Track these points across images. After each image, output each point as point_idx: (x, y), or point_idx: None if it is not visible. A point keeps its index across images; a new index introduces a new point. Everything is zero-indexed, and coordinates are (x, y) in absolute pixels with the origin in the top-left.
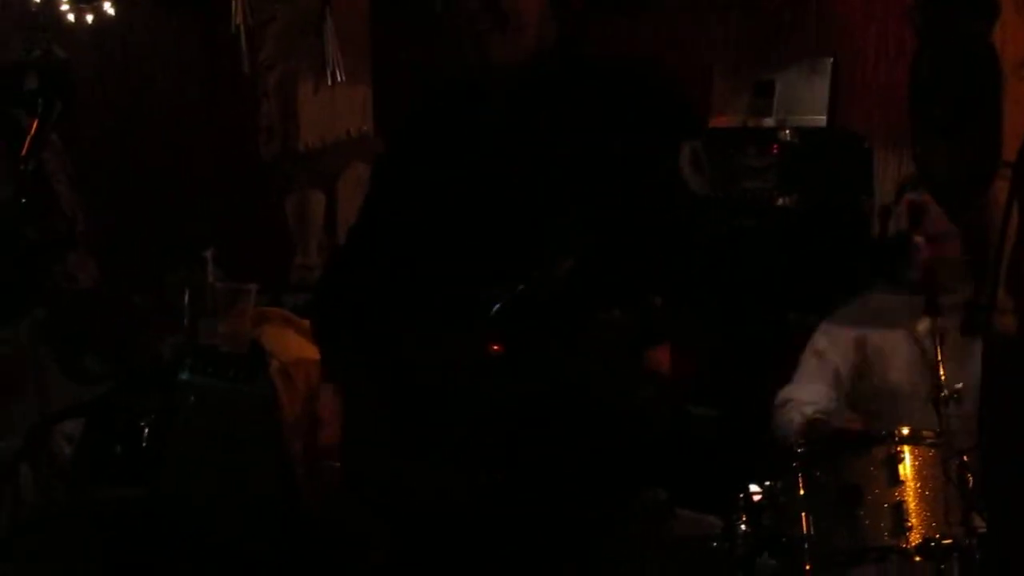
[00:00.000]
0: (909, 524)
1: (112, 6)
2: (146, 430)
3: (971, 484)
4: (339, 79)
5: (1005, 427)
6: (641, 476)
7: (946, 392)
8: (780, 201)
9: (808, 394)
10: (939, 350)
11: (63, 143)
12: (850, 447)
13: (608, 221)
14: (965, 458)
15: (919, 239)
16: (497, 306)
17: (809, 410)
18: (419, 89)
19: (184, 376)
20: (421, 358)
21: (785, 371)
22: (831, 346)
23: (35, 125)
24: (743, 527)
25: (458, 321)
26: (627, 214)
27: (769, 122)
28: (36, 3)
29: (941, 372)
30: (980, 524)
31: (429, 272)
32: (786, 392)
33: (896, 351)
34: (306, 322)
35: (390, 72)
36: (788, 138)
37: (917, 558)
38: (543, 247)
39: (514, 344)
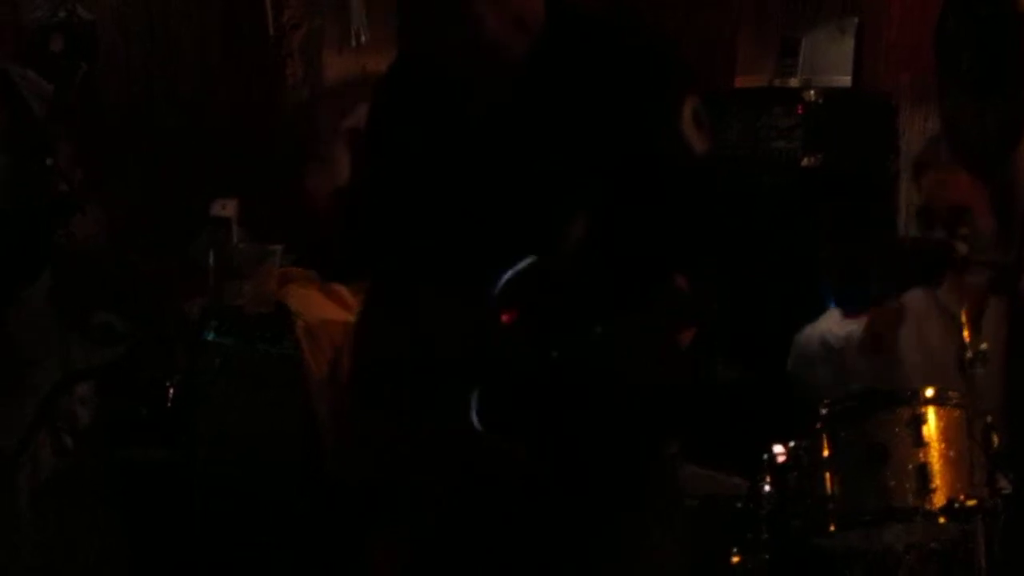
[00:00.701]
0: (934, 485)
1: None
2: (171, 391)
3: (996, 445)
4: (363, 40)
5: None
6: (661, 437)
7: (970, 353)
8: (805, 161)
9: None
10: (964, 311)
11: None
12: (875, 407)
13: (614, 188)
14: (989, 419)
15: (961, 247)
16: (508, 275)
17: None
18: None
19: (210, 337)
20: (434, 325)
21: None
22: None
23: (57, 87)
24: (768, 487)
25: (470, 290)
26: (632, 179)
27: (795, 82)
28: None
29: (965, 333)
30: (1005, 485)
31: (436, 247)
32: None
33: (928, 314)
34: (331, 283)
35: (415, 35)
36: (813, 98)
37: (942, 519)
38: (552, 218)
39: (528, 314)
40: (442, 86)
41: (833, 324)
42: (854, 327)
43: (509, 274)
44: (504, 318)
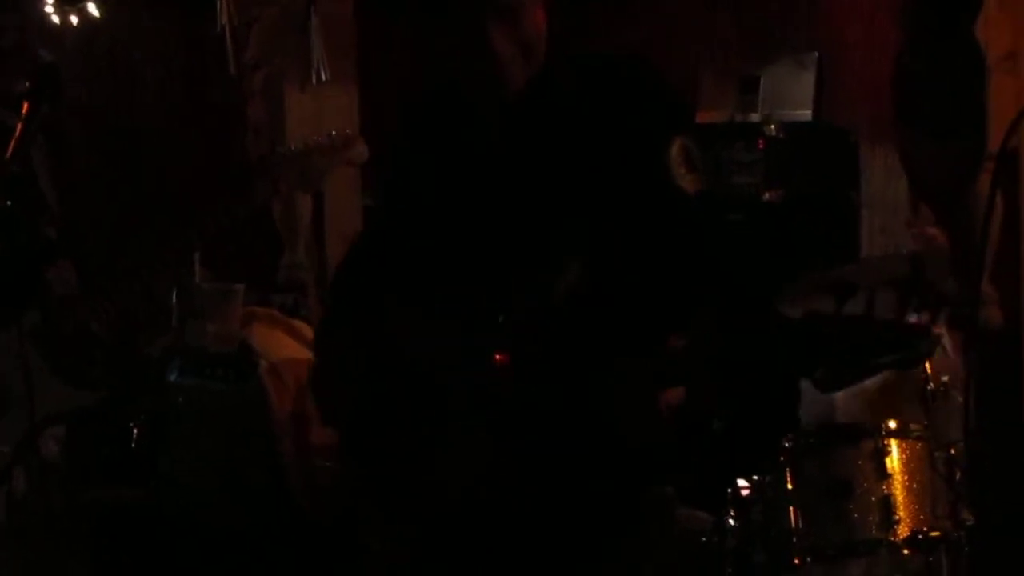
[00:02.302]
0: (897, 517)
1: (97, 7)
2: (135, 431)
3: (958, 477)
4: (324, 78)
5: (992, 419)
6: (645, 476)
7: (932, 385)
8: (767, 196)
9: None
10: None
11: (48, 145)
12: (838, 440)
13: (608, 227)
14: (952, 451)
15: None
16: (504, 317)
17: None
18: (412, 97)
19: (173, 377)
20: (428, 360)
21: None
22: None
23: (20, 128)
24: (732, 522)
25: (466, 329)
26: (625, 218)
27: (755, 117)
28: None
29: (927, 366)
30: (968, 516)
31: (435, 283)
32: None
33: None
34: (295, 322)
35: (376, 73)
36: (774, 133)
37: (906, 551)
38: (548, 257)
39: (522, 355)
40: (458, 119)
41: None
42: None
43: (503, 317)
44: (498, 359)
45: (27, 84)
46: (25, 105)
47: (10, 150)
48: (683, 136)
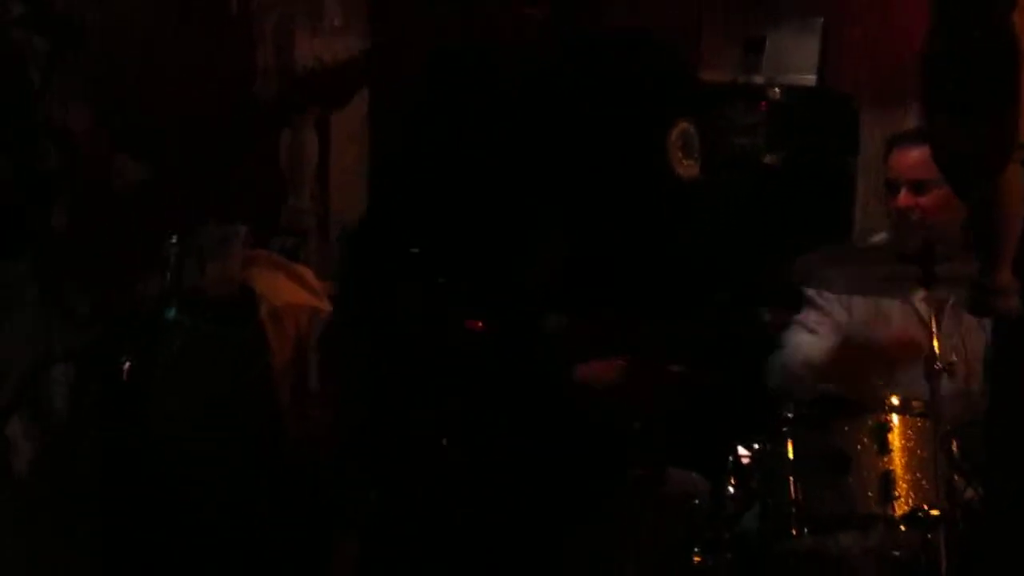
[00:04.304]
0: (896, 493)
1: None
2: (127, 367)
3: (958, 456)
4: (336, 24)
5: (1011, 407)
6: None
7: (939, 364)
8: (767, 158)
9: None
10: (934, 320)
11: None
12: (840, 413)
13: (595, 204)
14: (948, 427)
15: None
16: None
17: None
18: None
19: (170, 318)
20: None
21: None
22: (827, 303)
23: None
24: (731, 489)
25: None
26: (614, 199)
27: (758, 79)
28: None
29: (935, 343)
30: (967, 495)
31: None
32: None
33: (890, 316)
34: (296, 266)
35: (387, 23)
36: (777, 96)
37: (903, 527)
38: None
39: (497, 325)
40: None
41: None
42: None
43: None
44: (476, 324)
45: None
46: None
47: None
48: (684, 120)
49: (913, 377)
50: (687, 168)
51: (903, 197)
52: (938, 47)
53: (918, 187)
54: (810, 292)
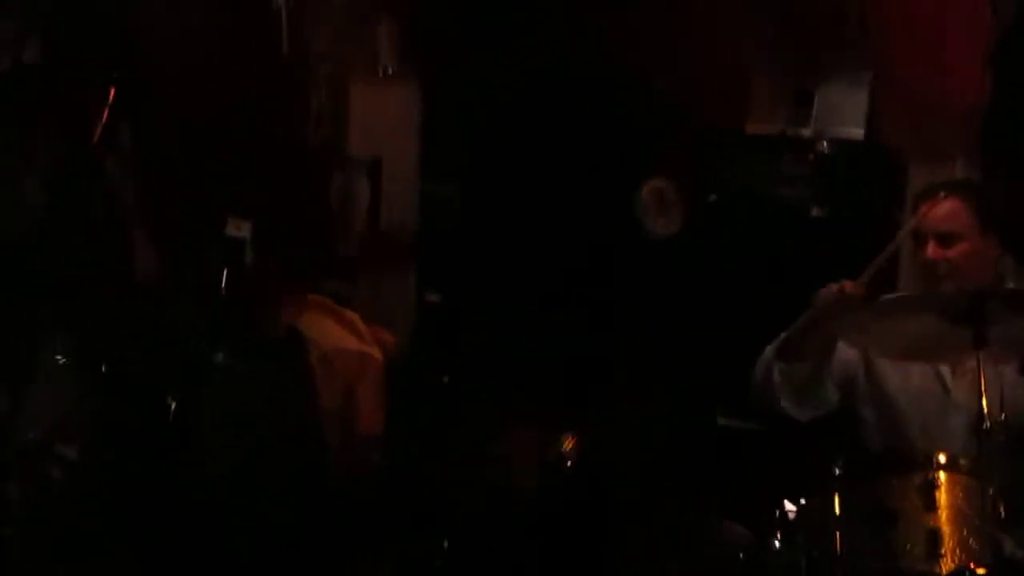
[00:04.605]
0: (942, 551)
1: None
2: (173, 406)
3: (1004, 515)
4: (389, 71)
5: None
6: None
7: (988, 423)
8: (814, 211)
9: None
10: (983, 379)
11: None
12: (888, 470)
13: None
14: (992, 490)
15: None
16: None
17: None
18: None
19: (219, 358)
20: None
21: None
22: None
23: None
24: (776, 543)
25: None
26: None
27: (807, 132)
28: None
29: (984, 402)
30: (1013, 551)
31: None
32: None
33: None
34: (346, 311)
35: (441, 72)
36: (825, 149)
37: None
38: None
39: None
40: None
41: None
42: None
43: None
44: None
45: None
46: (111, 90)
47: (95, 135)
48: (658, 178)
49: (938, 434)
50: (662, 225)
51: (931, 250)
52: (996, 108)
53: (946, 239)
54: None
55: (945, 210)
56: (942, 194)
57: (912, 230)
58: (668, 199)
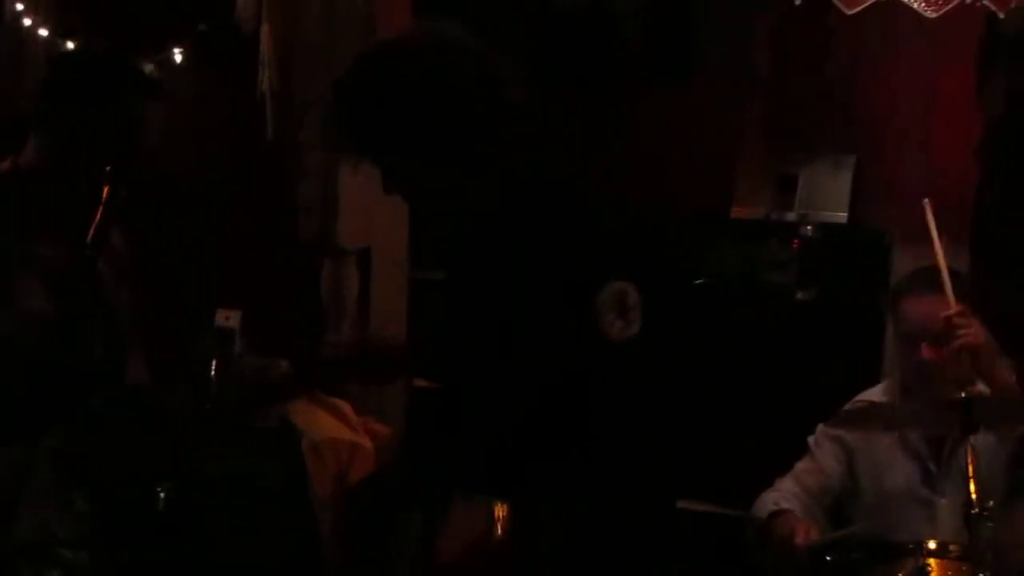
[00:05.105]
0: None
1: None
2: (163, 496)
3: None
4: None
5: None
6: None
7: (976, 509)
8: (800, 295)
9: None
10: (971, 465)
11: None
12: (879, 557)
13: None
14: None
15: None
16: None
17: (770, 499)
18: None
19: (210, 449)
20: None
21: None
22: (821, 450)
23: (100, 212)
24: None
25: None
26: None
27: (791, 216)
28: None
29: (972, 488)
30: None
31: None
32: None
33: (891, 459)
34: (336, 400)
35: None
36: (810, 233)
37: None
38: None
39: None
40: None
41: None
42: None
43: None
44: None
45: (107, 168)
46: (106, 189)
47: (90, 235)
48: (621, 281)
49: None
50: (619, 330)
51: (926, 350)
52: (986, 202)
53: (940, 339)
54: (814, 448)
55: (933, 307)
56: (926, 291)
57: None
58: (629, 301)
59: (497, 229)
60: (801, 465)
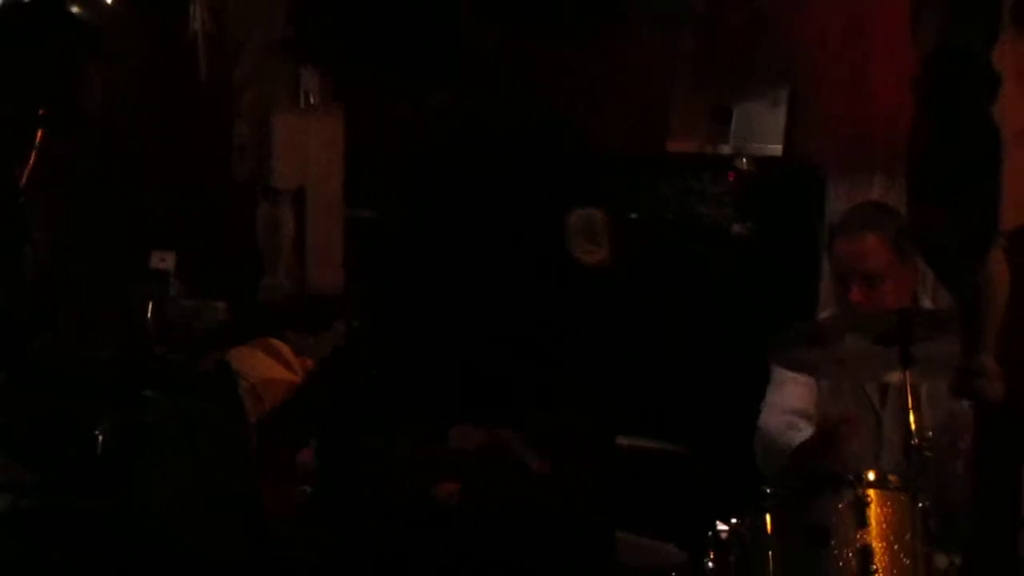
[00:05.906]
0: (874, 567)
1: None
2: (100, 439)
3: (934, 529)
4: (312, 101)
5: (994, 488)
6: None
7: (916, 440)
8: (735, 229)
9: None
10: (910, 399)
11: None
12: (819, 489)
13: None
14: (922, 504)
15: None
16: None
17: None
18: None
19: (147, 391)
20: None
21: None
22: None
23: (34, 156)
24: (709, 563)
25: None
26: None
27: (726, 149)
28: None
29: (912, 420)
30: (944, 564)
31: None
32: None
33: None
34: (274, 341)
35: (363, 100)
36: (744, 166)
37: None
38: None
39: None
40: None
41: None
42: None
43: None
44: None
45: (41, 112)
46: (39, 133)
47: (23, 178)
48: (588, 208)
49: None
50: (590, 254)
51: (856, 292)
52: (922, 135)
53: (870, 280)
54: (782, 372)
55: (865, 249)
56: (860, 231)
57: (834, 271)
58: (596, 226)
59: (450, 162)
60: (787, 389)
